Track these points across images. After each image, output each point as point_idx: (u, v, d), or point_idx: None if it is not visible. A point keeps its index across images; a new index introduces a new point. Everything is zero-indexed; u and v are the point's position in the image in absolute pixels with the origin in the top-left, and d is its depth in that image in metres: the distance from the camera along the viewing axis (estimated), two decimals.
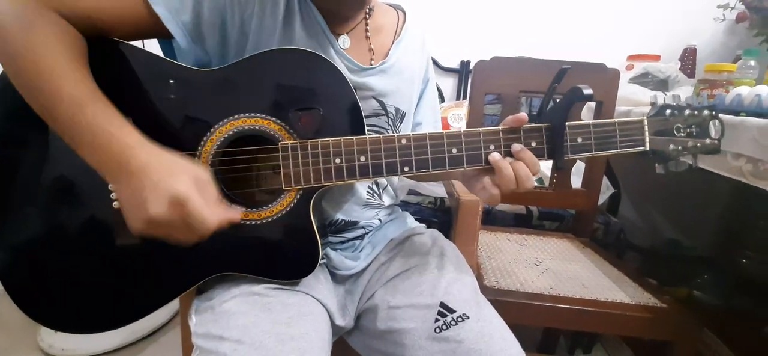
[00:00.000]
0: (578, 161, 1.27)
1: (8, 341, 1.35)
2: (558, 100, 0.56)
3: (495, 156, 0.56)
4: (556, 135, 0.56)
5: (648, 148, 0.59)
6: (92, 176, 0.52)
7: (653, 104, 0.61)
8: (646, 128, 0.59)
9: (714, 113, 0.61)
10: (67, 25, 0.48)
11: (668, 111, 0.60)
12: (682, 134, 0.60)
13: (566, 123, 0.56)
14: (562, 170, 0.58)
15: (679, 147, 0.60)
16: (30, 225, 0.54)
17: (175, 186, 0.44)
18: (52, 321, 0.57)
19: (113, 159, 0.45)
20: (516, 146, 0.56)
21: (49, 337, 1.29)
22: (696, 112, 0.60)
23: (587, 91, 0.52)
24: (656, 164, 0.61)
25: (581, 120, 1.25)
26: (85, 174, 0.53)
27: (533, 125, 0.57)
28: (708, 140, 0.61)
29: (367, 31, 0.67)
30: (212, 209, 0.47)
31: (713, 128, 0.61)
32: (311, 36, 0.61)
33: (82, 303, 0.56)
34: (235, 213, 0.51)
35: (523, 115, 0.56)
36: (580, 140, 0.58)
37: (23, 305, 0.55)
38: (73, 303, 0.56)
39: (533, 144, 0.57)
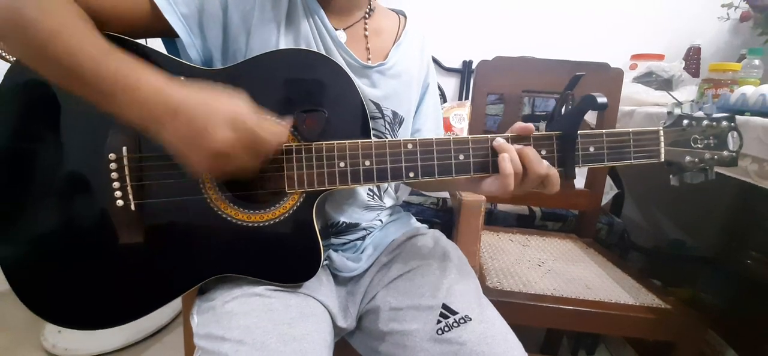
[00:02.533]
0: None
1: (11, 340, 1.36)
2: (570, 107, 0.55)
3: (500, 140, 0.54)
4: (567, 144, 0.55)
5: (663, 160, 0.58)
6: (101, 172, 0.53)
7: (669, 114, 0.59)
8: (662, 138, 0.57)
9: (733, 124, 0.58)
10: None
11: (685, 122, 0.58)
12: (700, 146, 0.58)
13: (578, 132, 0.54)
14: (571, 179, 0.56)
15: (696, 159, 0.58)
16: (35, 222, 0.54)
17: (228, 107, 0.44)
18: (55, 317, 0.56)
19: (153, 104, 0.44)
20: (516, 147, 0.54)
21: (52, 337, 1.30)
22: (714, 123, 0.58)
23: (601, 99, 0.51)
24: (671, 176, 0.60)
25: (588, 123, 1.25)
26: (94, 171, 0.53)
27: (544, 132, 0.56)
28: (725, 153, 0.58)
29: (365, 30, 0.67)
30: (268, 124, 0.47)
31: (731, 140, 0.58)
32: (312, 27, 0.62)
33: (85, 299, 0.56)
34: (286, 125, 0.51)
35: (530, 125, 0.55)
36: (592, 149, 0.56)
37: (28, 301, 0.55)
38: (76, 300, 0.56)
39: (543, 153, 0.55)
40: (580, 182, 1.22)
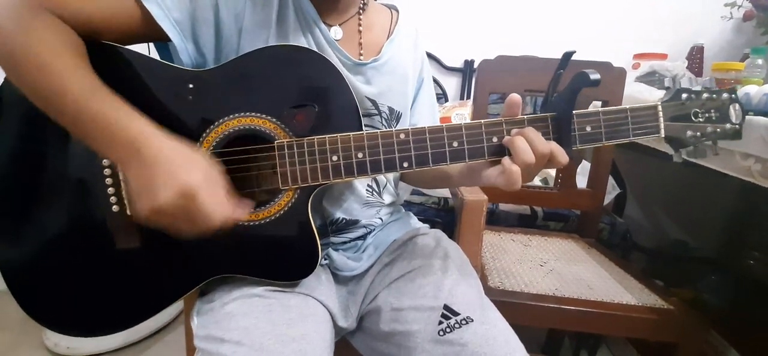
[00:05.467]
0: (583, 161, 1.26)
1: (13, 339, 1.36)
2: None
3: (507, 139, 0.53)
4: (562, 124, 0.54)
5: (663, 135, 0.56)
6: (96, 178, 0.53)
7: (668, 89, 0.59)
8: (661, 113, 0.56)
9: (733, 96, 0.57)
10: (64, 25, 0.48)
11: (684, 95, 0.56)
12: (701, 120, 0.56)
13: (573, 112, 0.53)
14: (570, 161, 0.55)
15: (698, 133, 0.56)
16: (32, 228, 0.54)
17: (186, 178, 0.44)
18: (55, 324, 0.57)
19: (126, 147, 0.45)
20: (514, 130, 0.53)
21: (54, 335, 1.30)
22: (714, 95, 0.57)
23: (594, 75, 0.49)
24: (674, 153, 0.58)
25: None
26: (89, 176, 0.53)
27: (538, 115, 0.55)
28: (728, 126, 0.57)
29: (359, 26, 0.67)
30: (219, 206, 0.47)
31: (734, 112, 0.57)
32: (303, 26, 0.61)
33: (85, 305, 0.56)
34: (242, 211, 0.50)
35: (515, 95, 0.53)
36: (589, 128, 0.55)
37: (27, 307, 0.55)
38: (76, 306, 0.56)
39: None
40: (582, 181, 1.22)
